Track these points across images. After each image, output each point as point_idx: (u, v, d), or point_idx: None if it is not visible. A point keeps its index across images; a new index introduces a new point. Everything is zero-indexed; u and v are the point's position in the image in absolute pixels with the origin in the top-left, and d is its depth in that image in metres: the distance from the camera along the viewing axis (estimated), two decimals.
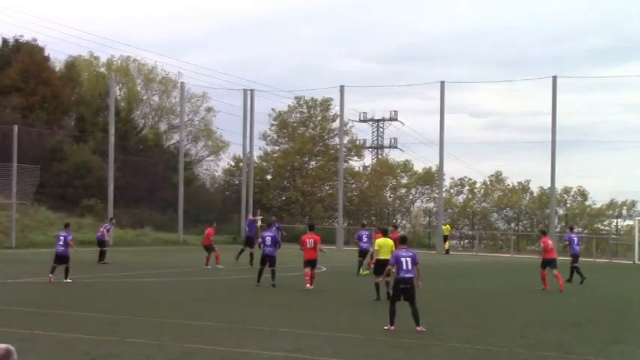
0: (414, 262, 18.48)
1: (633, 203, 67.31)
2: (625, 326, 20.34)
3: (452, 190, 76.97)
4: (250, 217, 41.88)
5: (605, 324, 20.63)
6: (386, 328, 18.41)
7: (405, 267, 18.39)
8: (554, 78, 56.74)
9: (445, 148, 60.97)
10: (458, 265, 43.78)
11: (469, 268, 41.82)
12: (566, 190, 71.55)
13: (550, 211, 60.00)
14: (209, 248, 37.03)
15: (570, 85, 67.91)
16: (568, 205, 71.93)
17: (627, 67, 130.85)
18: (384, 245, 25.24)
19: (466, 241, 70.96)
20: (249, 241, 38.75)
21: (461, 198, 77.39)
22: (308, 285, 26.99)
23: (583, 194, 72.41)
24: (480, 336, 17.70)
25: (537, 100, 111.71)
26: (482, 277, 36.29)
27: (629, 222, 62.69)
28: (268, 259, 28.19)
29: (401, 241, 19.96)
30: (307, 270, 27.20)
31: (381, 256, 24.72)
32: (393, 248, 24.47)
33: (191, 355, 14.32)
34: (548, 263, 30.09)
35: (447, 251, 57.25)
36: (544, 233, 33.02)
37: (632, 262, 50.61)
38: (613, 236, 62.78)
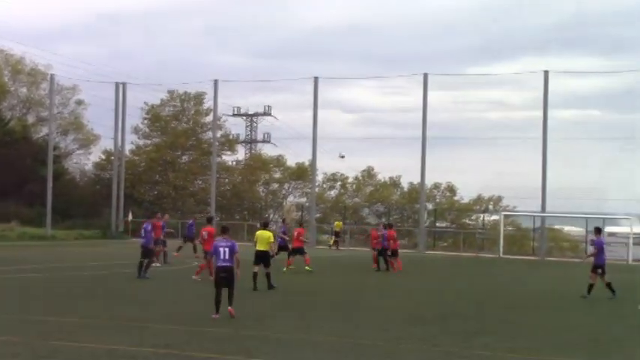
0: (232, 252, 19.36)
1: (499, 199, 69.15)
2: (488, 318, 20.93)
3: (324, 185, 77.55)
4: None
5: (470, 317, 21.18)
6: (213, 316, 19.06)
7: (222, 256, 19.33)
8: (425, 75, 57.80)
9: (318, 143, 61.49)
10: (328, 259, 44.17)
11: (339, 263, 42.26)
12: (436, 186, 72.98)
13: (420, 206, 61.12)
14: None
15: (441, 82, 69.67)
16: (437, 201, 73.38)
17: (496, 65, 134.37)
18: (260, 237, 26.75)
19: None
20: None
21: (333, 193, 78.09)
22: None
23: (452, 190, 73.99)
24: (348, 329, 17.94)
25: (409, 96, 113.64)
26: (352, 272, 36.70)
27: (495, 217, 64.43)
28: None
29: (221, 232, 20.83)
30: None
31: (259, 248, 26.45)
32: (270, 240, 26.78)
33: (58, 352, 14.08)
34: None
35: (337, 246, 57.39)
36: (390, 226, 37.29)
37: (497, 256, 52.05)
38: (480, 231, 64.44)
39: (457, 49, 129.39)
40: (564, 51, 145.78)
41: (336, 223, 60.90)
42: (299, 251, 34.37)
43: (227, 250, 19.36)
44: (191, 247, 37.57)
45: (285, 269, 33.34)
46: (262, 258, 26.48)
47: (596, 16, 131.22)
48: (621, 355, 15.79)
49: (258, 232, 27.28)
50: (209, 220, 31.97)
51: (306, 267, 33.84)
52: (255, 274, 26.02)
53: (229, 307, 19.20)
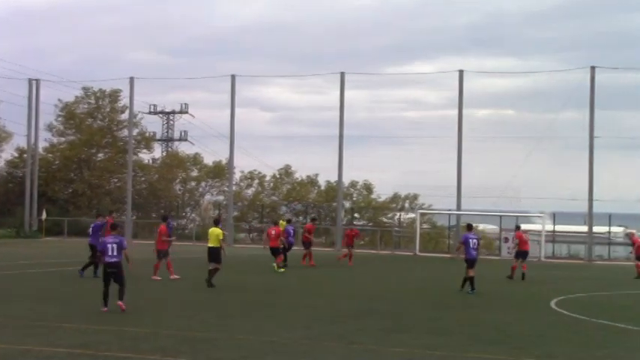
0: (121, 248, 20.06)
1: (415, 197, 69.72)
2: (405, 316, 21.14)
3: (242, 184, 77.24)
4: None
5: (387, 314, 21.35)
6: (102, 309, 19.81)
7: (110, 252, 19.99)
8: (342, 74, 58.03)
9: (236, 141, 61.27)
10: (249, 257, 44.05)
11: (259, 261, 42.19)
12: (353, 184, 73.27)
13: (337, 205, 61.36)
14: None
15: (359, 81, 70.09)
16: (354, 199, 73.74)
17: (414, 65, 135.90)
18: (211, 234, 27.53)
19: (255, 234, 71.44)
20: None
21: (250, 191, 77.82)
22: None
23: (368, 188, 74.36)
24: (267, 328, 17.95)
25: (327, 95, 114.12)
26: (271, 270, 36.68)
27: (411, 215, 65.03)
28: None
29: (111, 228, 21.90)
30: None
31: (210, 244, 27.30)
32: (220, 237, 27.28)
33: None
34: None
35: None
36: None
37: (413, 253, 52.55)
38: (396, 229, 64.97)
39: (375, 49, 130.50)
40: (481, 51, 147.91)
41: (281, 222, 60.79)
42: (275, 251, 34.98)
43: (115, 246, 20.07)
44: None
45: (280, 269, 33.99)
46: (213, 254, 27.20)
47: (512, 17, 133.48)
48: (535, 349, 16.10)
49: (210, 230, 27.96)
50: (164, 219, 31.83)
51: (275, 266, 34.25)
52: (210, 271, 26.92)
53: (119, 302, 19.80)
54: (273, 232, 35.44)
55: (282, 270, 34.01)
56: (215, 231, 27.53)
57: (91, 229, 30.62)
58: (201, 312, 20.58)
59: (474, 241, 27.13)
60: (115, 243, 20.14)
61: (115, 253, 20.00)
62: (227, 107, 61.17)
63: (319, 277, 33.11)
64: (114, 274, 20.04)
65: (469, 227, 28.89)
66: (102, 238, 23.39)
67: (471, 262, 27.01)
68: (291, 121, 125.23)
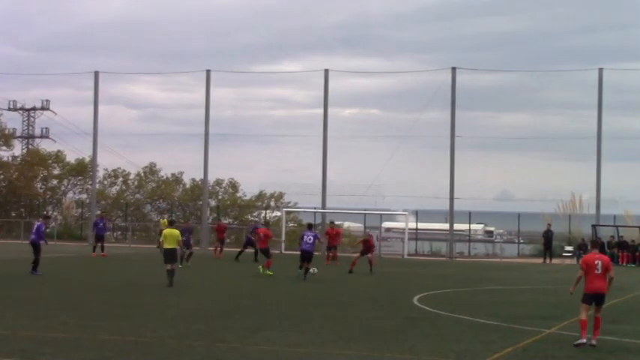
0: None
1: (281, 195, 69.95)
2: (271, 314, 21.22)
3: (105, 182, 75.93)
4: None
5: (253, 312, 21.41)
6: None
7: None
8: (208, 72, 57.76)
9: (100, 139, 60.25)
10: (113, 257, 43.34)
11: (123, 260, 41.62)
12: (219, 182, 72.98)
13: (202, 203, 61.04)
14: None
15: (226, 79, 69.81)
16: (220, 197, 73.48)
17: (280, 64, 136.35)
18: (169, 235, 27.68)
19: (119, 232, 70.39)
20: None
21: (114, 189, 76.59)
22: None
23: (234, 186, 74.19)
24: (132, 328, 17.76)
25: (193, 93, 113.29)
26: (136, 269, 36.28)
27: (277, 213, 65.28)
28: None
29: None
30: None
31: (167, 246, 27.45)
32: (179, 237, 27.63)
33: None
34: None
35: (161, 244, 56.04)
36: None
37: (279, 252, 52.57)
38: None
39: (243, 47, 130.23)
40: (347, 51, 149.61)
41: (162, 221, 59.98)
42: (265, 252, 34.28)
43: None
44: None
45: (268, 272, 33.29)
46: (170, 256, 27.41)
47: (378, 18, 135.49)
48: (398, 345, 16.42)
49: (166, 231, 28.23)
50: (171, 223, 31.24)
51: (266, 270, 33.45)
52: (168, 272, 27.16)
53: None
54: (262, 234, 35.17)
55: (270, 273, 33.19)
56: (173, 232, 27.81)
57: (35, 228, 32.02)
58: (62, 312, 20.18)
59: (310, 237, 31.65)
60: None
61: None
62: (91, 104, 60.14)
63: (185, 275, 32.84)
64: None
65: (309, 226, 34.81)
66: None
67: (304, 254, 31.47)
68: (157, 119, 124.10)
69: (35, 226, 32.23)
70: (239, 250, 44.50)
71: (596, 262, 17.07)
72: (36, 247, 31.16)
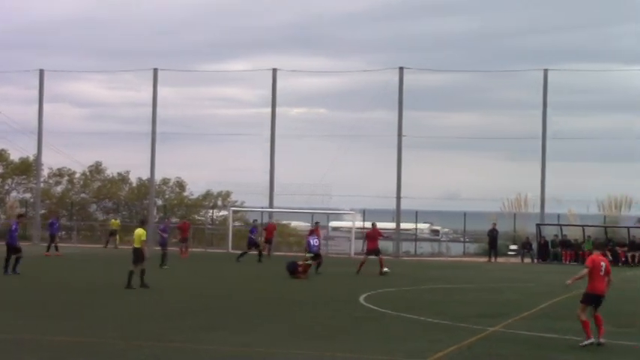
0: None
1: (228, 194, 69.73)
2: (219, 313, 21.25)
3: (50, 181, 75.11)
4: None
5: (200, 312, 21.42)
6: None
7: None
8: (155, 70, 57.44)
9: (44, 137, 59.61)
10: (59, 257, 42.89)
11: (70, 260, 41.24)
12: (165, 182, 72.56)
13: (149, 202, 60.69)
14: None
15: (173, 78, 69.30)
16: (167, 196, 73.08)
17: (228, 63, 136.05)
18: (134, 235, 27.63)
19: (64, 232, 69.66)
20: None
21: (60, 188, 75.78)
22: None
23: (181, 185, 73.81)
24: (80, 328, 17.67)
25: (140, 91, 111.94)
26: (83, 270, 35.99)
27: (224, 212, 65.10)
28: None
29: None
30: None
31: (136, 245, 27.20)
32: (142, 238, 27.07)
33: None
34: None
35: (115, 245, 55.16)
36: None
37: (226, 251, 52.63)
38: (209, 226, 64.87)
39: (190, 46, 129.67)
40: (296, 50, 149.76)
41: (113, 221, 59.41)
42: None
43: None
44: None
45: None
46: (135, 256, 27.08)
47: (326, 18, 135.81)
48: (344, 344, 16.55)
49: (135, 231, 28.03)
50: (142, 223, 30.76)
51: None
52: (130, 272, 26.71)
53: None
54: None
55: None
56: (138, 232, 27.52)
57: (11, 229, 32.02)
58: (6, 313, 19.99)
59: (315, 240, 34.74)
60: None
61: None
62: (35, 102, 59.47)
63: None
64: None
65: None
66: None
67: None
68: (103, 118, 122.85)
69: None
70: (189, 249, 44.44)
71: (601, 264, 17.14)
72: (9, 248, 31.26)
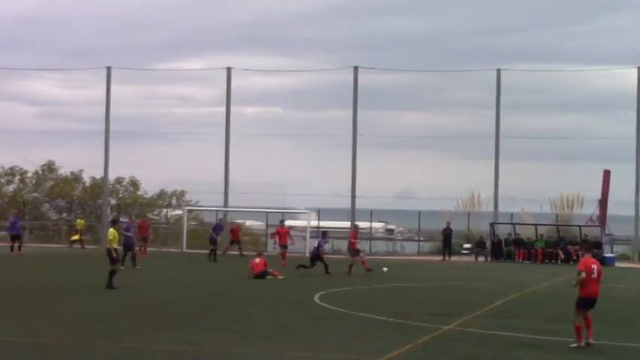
0: None
1: (182, 193, 69.42)
2: (174, 313, 21.15)
3: (2, 180, 74.30)
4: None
5: (156, 311, 21.32)
6: None
7: None
8: (109, 69, 57.09)
9: None
10: (21, 257, 42.38)
11: (20, 261, 40.81)
12: (119, 181, 72.06)
13: (103, 201, 60.29)
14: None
15: (128, 77, 69.00)
16: (120, 195, 72.58)
17: (184, 62, 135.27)
18: (112, 235, 27.11)
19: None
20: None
21: (11, 188, 74.96)
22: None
23: (135, 184, 73.37)
24: (33, 328, 17.50)
25: (94, 90, 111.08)
26: (34, 269, 35.63)
27: (179, 212, 64.79)
28: None
29: None
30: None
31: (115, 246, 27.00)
32: (110, 238, 26.87)
33: None
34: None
35: (82, 244, 54.51)
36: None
37: (180, 250, 52.43)
38: (163, 225, 64.56)
39: (145, 45, 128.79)
40: (251, 49, 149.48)
41: (78, 221, 58.80)
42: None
43: None
44: None
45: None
46: (109, 256, 26.74)
47: (282, 17, 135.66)
48: (300, 343, 16.58)
49: (110, 231, 27.59)
50: (114, 222, 30.41)
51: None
52: (110, 272, 26.44)
53: None
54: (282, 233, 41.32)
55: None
56: (109, 232, 27.33)
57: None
58: None
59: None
60: None
61: None
62: None
63: (86, 275, 32.40)
64: None
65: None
66: None
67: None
68: (56, 116, 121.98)
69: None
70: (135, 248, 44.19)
71: (593, 267, 16.83)
72: None
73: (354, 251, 36.17)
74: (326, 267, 34.37)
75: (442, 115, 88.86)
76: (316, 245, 35.94)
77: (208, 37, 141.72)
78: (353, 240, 36.82)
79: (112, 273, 26.55)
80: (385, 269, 34.91)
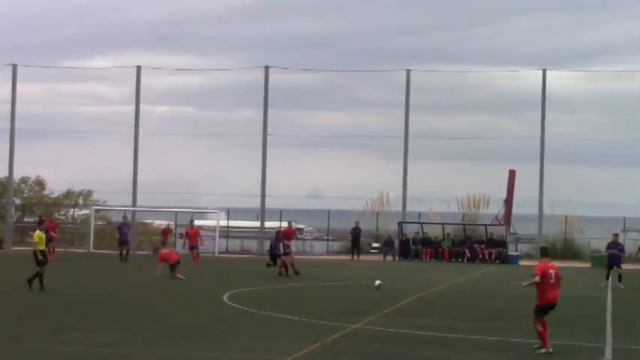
0: None
1: (90, 193, 68.37)
2: (77, 314, 20.83)
3: None
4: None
5: (58, 313, 20.98)
6: None
7: None
8: (15, 66, 55.93)
9: None
10: None
11: None
12: (24, 180, 70.70)
13: (7, 201, 59.10)
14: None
15: (34, 74, 67.55)
16: (25, 195, 71.19)
17: (93, 60, 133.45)
18: (37, 237, 26.47)
19: None
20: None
21: None
22: None
23: (41, 184, 72.06)
24: None
25: None
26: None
27: (86, 211, 63.82)
28: None
29: None
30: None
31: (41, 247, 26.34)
32: (35, 240, 26.38)
33: None
34: None
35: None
36: None
37: (87, 250, 51.70)
38: (70, 225, 63.51)
39: (53, 42, 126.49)
40: (162, 48, 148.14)
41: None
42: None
43: None
44: None
45: None
46: (36, 258, 26.25)
47: (193, 16, 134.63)
48: (208, 342, 16.50)
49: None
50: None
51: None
52: (37, 274, 26.12)
53: None
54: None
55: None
56: (35, 235, 26.80)
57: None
58: None
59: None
60: None
61: None
62: None
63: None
64: None
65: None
66: None
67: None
68: None
69: None
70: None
71: (550, 272, 16.46)
72: None
73: (286, 250, 35.62)
74: (276, 264, 34.53)
75: (353, 115, 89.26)
76: (271, 245, 35.66)
77: (119, 35, 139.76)
78: (288, 242, 36.24)
79: (36, 275, 26.03)
80: (378, 282, 29.73)
